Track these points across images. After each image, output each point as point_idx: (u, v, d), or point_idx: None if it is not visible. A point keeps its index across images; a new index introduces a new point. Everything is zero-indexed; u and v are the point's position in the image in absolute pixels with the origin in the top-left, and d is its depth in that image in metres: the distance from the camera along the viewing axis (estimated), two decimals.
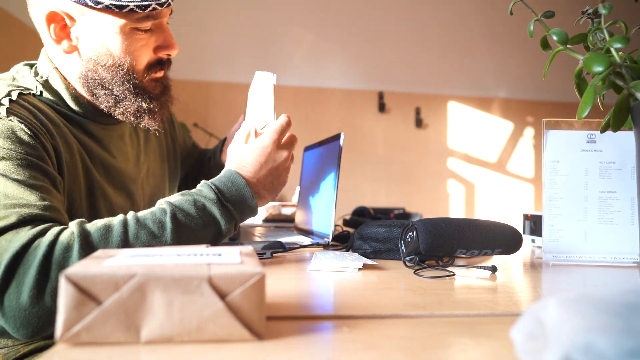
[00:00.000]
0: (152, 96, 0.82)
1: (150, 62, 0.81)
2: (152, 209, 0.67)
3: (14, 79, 0.79)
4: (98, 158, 0.82)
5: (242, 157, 0.76)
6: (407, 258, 0.69)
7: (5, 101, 0.68)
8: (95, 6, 0.72)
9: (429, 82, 4.33)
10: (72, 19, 0.74)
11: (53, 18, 0.74)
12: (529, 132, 4.57)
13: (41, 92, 0.77)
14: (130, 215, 0.65)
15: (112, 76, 0.78)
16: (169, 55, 0.83)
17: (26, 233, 0.57)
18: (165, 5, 0.75)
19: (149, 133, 1.00)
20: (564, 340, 0.24)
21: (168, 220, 0.64)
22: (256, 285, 0.34)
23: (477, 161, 4.51)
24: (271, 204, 1.55)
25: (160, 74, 0.83)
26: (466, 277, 0.62)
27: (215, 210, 0.68)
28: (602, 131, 0.65)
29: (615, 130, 0.61)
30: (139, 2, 0.72)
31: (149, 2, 0.73)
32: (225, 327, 0.33)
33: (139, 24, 0.75)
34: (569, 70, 0.74)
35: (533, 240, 1.01)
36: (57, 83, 0.78)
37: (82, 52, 0.77)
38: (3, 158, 0.62)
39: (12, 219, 0.58)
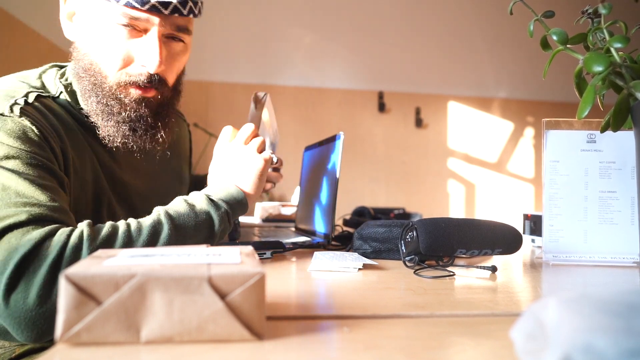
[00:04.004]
0: (133, 117, 0.75)
1: (126, 63, 0.73)
2: (150, 215, 0.69)
3: (39, 77, 0.78)
4: (107, 167, 0.81)
5: (214, 166, 0.81)
6: (407, 258, 0.69)
7: (21, 101, 0.68)
8: None
9: (429, 82, 4.33)
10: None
11: None
12: (529, 132, 4.58)
13: (60, 93, 0.76)
14: (131, 219, 0.66)
15: (87, 84, 0.74)
16: (143, 66, 0.73)
17: (37, 232, 0.57)
18: (147, 7, 0.68)
19: (169, 151, 0.92)
20: (564, 341, 0.24)
21: (164, 219, 0.66)
22: (256, 285, 0.34)
23: (477, 161, 4.51)
24: (271, 204, 1.54)
25: (150, 93, 0.75)
26: (466, 277, 0.62)
27: (205, 205, 0.71)
28: (602, 131, 0.65)
29: (615, 130, 0.61)
30: None
31: None
32: (225, 327, 0.33)
33: (118, 17, 0.69)
34: (569, 70, 0.74)
35: (533, 240, 1.01)
36: (77, 88, 0.77)
37: (78, 46, 0.76)
38: (13, 157, 0.62)
39: (23, 217, 0.58)
